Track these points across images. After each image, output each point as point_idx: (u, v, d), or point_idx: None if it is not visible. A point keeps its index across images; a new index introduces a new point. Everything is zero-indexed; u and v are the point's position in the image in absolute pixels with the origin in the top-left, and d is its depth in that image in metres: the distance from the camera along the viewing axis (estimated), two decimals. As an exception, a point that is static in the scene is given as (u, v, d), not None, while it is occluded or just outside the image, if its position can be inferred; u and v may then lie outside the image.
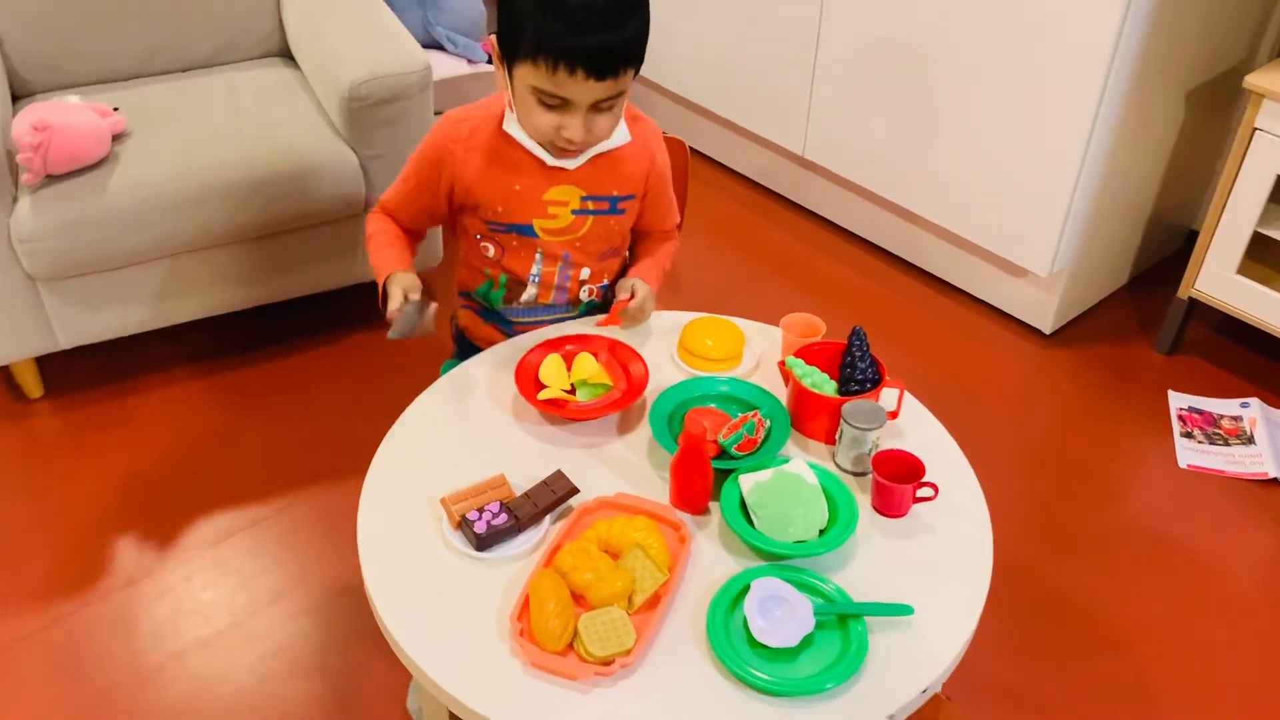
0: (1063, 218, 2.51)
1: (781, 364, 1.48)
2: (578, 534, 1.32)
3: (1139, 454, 2.44)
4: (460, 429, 1.50)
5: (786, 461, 1.38)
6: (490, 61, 3.25)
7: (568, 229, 1.64)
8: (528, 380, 1.52)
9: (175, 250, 2.34)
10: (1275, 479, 2.33)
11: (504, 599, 1.26)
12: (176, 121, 2.43)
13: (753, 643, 1.20)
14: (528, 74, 1.44)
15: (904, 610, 1.23)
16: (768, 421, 1.44)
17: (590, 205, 1.64)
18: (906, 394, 1.51)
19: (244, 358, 2.59)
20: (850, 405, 1.39)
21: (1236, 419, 2.50)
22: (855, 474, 1.42)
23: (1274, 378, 2.64)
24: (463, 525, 1.32)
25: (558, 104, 1.46)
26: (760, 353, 1.63)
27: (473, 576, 1.29)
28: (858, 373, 1.45)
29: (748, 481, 1.35)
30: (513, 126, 1.57)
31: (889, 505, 1.36)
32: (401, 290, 1.55)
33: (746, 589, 1.25)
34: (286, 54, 2.77)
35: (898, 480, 1.34)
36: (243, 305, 2.50)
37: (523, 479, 1.39)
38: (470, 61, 3.22)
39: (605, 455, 1.46)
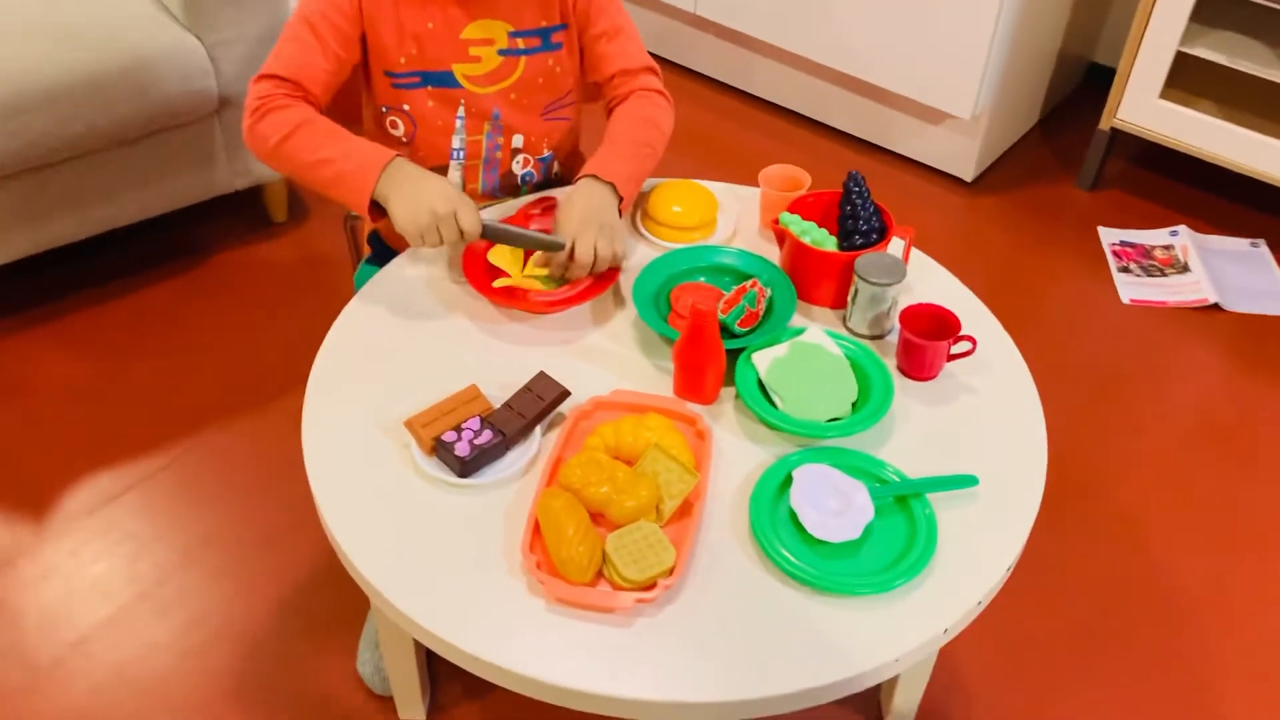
0: (985, 54, 2.38)
1: (774, 223, 1.29)
2: (580, 443, 1.12)
3: (1081, 294, 2.37)
4: (407, 338, 1.25)
5: (801, 331, 1.20)
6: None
7: (495, 74, 1.37)
8: (477, 270, 1.29)
9: (-4, 174, 1.96)
10: (1215, 304, 2.30)
11: (506, 530, 1.05)
12: (-31, 18, 2.02)
13: (808, 539, 1.03)
14: None
15: (969, 481, 1.09)
16: (769, 290, 1.25)
17: (520, 43, 1.37)
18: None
19: (96, 293, 2.24)
20: (864, 260, 1.21)
21: (1168, 248, 2.46)
22: (872, 337, 1.26)
23: (1197, 204, 2.61)
24: (438, 450, 1.10)
25: None
26: (736, 216, 1.43)
27: (461, 508, 1.07)
28: (861, 223, 1.27)
29: (763, 360, 1.17)
30: None
31: (920, 367, 1.20)
32: (444, 204, 1.21)
33: (788, 480, 1.08)
34: (93, -68, 2.34)
35: (930, 338, 1.18)
36: (87, 234, 2.15)
37: (497, 388, 1.17)
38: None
39: (587, 350, 1.24)
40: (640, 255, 1.36)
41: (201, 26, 2.07)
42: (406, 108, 1.38)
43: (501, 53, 1.37)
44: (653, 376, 1.21)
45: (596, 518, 1.05)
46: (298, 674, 1.62)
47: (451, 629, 0.97)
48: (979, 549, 1.04)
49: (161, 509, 1.86)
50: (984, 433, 1.16)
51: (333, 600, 1.70)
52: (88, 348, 2.13)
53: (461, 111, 1.38)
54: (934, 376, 1.21)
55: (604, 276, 1.29)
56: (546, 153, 1.47)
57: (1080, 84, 3.01)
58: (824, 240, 1.28)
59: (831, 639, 0.96)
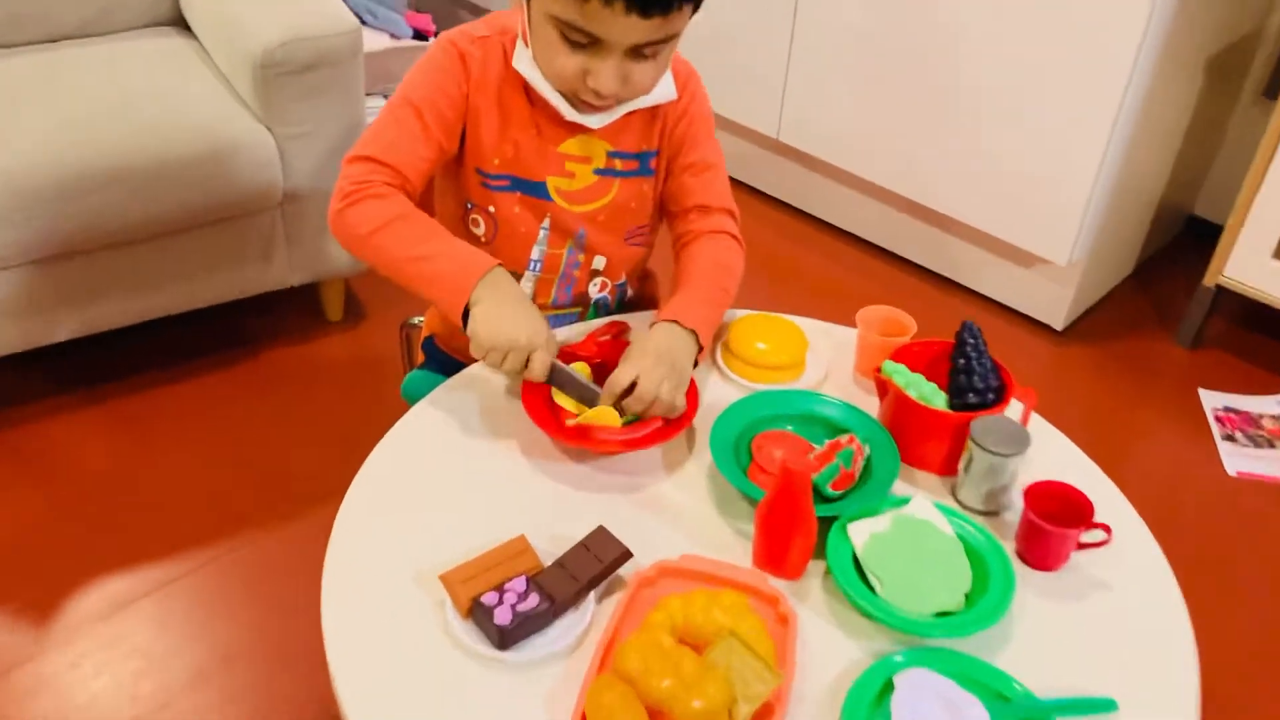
0: (1085, 200, 2.26)
1: (875, 372, 1.14)
2: (640, 618, 0.95)
3: (1181, 461, 2.18)
4: (454, 472, 1.11)
5: (905, 502, 1.04)
6: (416, 37, 2.86)
7: (587, 194, 1.27)
8: (539, 404, 1.15)
9: (52, 254, 1.90)
10: (1334, 484, 2.10)
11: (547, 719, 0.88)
12: (46, 98, 1.99)
13: (909, 767, 0.85)
14: None
15: (1106, 706, 0.90)
16: (866, 448, 1.10)
17: (618, 164, 1.27)
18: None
19: (139, 381, 2.16)
20: (982, 424, 1.06)
21: (1278, 418, 2.27)
22: (986, 513, 1.09)
23: (1310, 371, 2.42)
24: (476, 613, 0.94)
25: (587, 43, 1.10)
26: (828, 359, 1.28)
27: (497, 688, 0.91)
28: (976, 379, 1.12)
29: (860, 532, 1.01)
30: (524, 64, 1.19)
31: (1044, 555, 1.03)
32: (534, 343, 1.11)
33: (888, 687, 0.90)
34: (177, 22, 2.34)
35: (1056, 522, 1.01)
36: (137, 319, 2.07)
37: (550, 539, 1.02)
38: (393, 36, 2.83)
39: (654, 502, 1.09)
40: (718, 394, 1.21)
41: (274, 119, 2.02)
42: (492, 209, 1.27)
43: (598, 172, 1.27)
44: (728, 540, 1.05)
45: (655, 716, 0.87)
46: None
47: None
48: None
49: (177, 621, 1.73)
50: (1121, 641, 0.98)
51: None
52: (124, 435, 2.04)
53: (547, 224, 1.28)
54: (1058, 567, 1.03)
55: (678, 418, 1.14)
56: (623, 279, 1.36)
57: (1177, 236, 2.87)
58: (932, 396, 1.13)
59: None
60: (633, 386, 1.12)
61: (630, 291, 1.41)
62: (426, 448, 1.14)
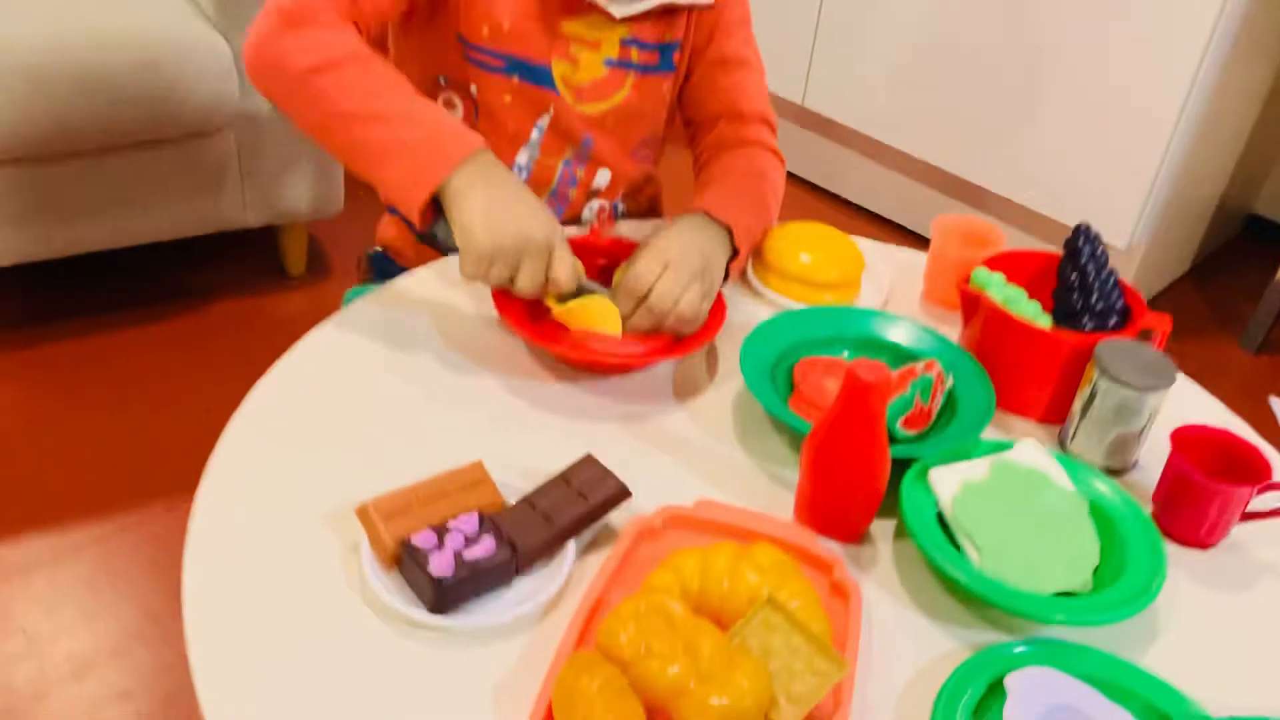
0: (1151, 179, 2.05)
1: (963, 284, 0.86)
2: (639, 579, 0.67)
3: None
4: (387, 393, 0.83)
5: (1007, 446, 0.76)
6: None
7: (596, 90, 1.01)
8: (513, 300, 0.87)
9: (-42, 164, 1.64)
10: None
11: (499, 713, 0.60)
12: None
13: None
14: None
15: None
16: (949, 378, 0.82)
17: (635, 54, 1.00)
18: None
19: (64, 327, 1.90)
20: (1110, 347, 0.78)
21: (1362, 431, 2.00)
22: (1105, 471, 0.81)
23: (1394, 383, 2.17)
24: (404, 561, 0.66)
25: None
26: (888, 283, 1.01)
27: (429, 666, 0.63)
28: (1094, 299, 0.85)
29: (947, 481, 0.73)
30: None
31: (1198, 523, 0.75)
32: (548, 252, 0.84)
33: (997, 691, 0.62)
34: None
35: (1223, 479, 0.73)
36: (63, 253, 1.81)
37: (517, 473, 0.74)
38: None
39: (661, 433, 0.81)
40: (748, 314, 0.94)
41: (232, 27, 1.77)
42: (474, 90, 0.99)
43: (609, 63, 1.00)
44: (759, 487, 0.77)
45: (655, 715, 0.59)
46: None
47: None
48: None
49: (68, 600, 1.47)
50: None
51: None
52: (38, 385, 1.79)
53: (543, 123, 1.00)
54: (1214, 542, 0.76)
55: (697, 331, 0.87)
56: (618, 199, 1.10)
57: (1235, 236, 2.64)
58: (1036, 317, 0.85)
59: None
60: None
61: (623, 209, 1.14)
62: (356, 358, 0.86)
